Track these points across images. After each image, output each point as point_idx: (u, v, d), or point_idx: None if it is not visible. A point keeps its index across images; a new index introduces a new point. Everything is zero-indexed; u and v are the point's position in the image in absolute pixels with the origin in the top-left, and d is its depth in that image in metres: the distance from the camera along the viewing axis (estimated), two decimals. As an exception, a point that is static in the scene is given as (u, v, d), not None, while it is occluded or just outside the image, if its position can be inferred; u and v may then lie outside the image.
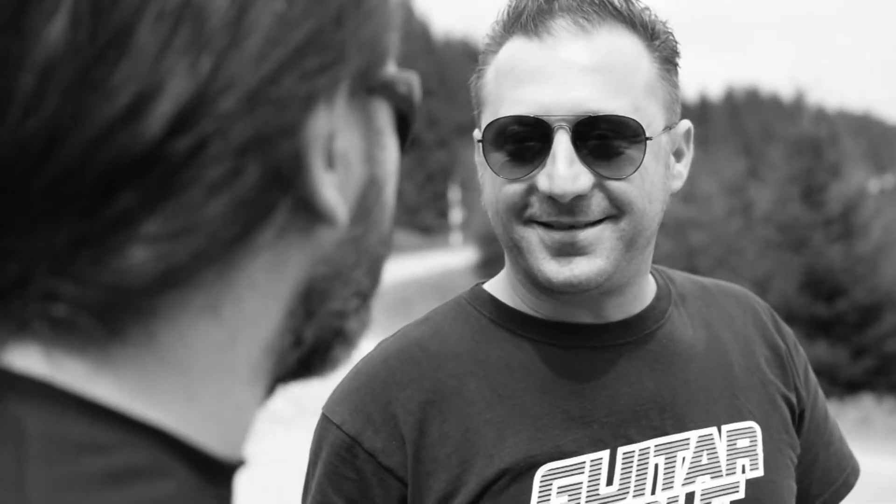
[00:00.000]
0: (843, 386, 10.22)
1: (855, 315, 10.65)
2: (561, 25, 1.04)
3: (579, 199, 1.02)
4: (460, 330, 1.14)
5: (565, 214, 1.03)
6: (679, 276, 1.26)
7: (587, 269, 1.04)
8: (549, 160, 1.02)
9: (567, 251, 1.04)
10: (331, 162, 0.47)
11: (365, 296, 0.53)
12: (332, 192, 0.46)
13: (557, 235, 1.04)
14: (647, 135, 1.04)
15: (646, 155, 1.04)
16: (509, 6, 1.09)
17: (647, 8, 1.09)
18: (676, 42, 1.11)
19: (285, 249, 0.47)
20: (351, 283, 0.51)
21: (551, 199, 1.03)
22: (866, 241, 11.26)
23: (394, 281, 18.91)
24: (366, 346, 1.18)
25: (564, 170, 1.01)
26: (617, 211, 1.04)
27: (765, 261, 11.57)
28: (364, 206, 0.50)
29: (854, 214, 11.30)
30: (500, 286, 1.17)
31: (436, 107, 42.12)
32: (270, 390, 0.52)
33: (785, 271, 10.93)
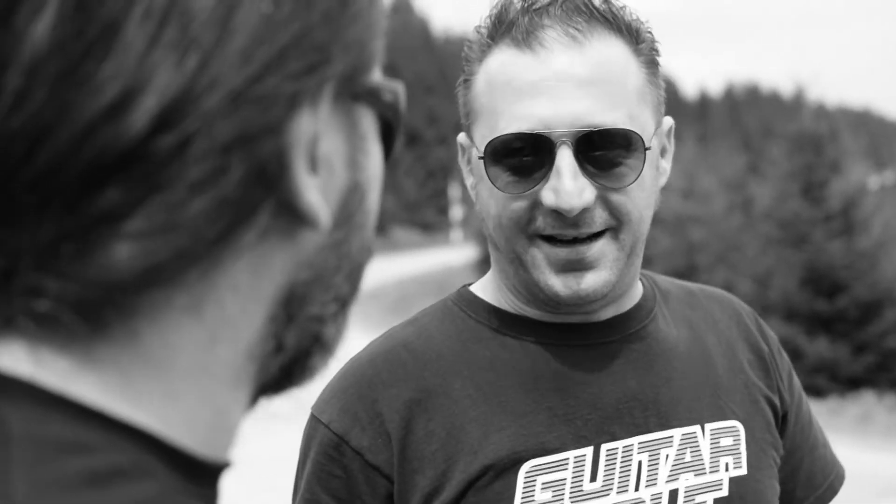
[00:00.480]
0: (844, 383, 10.22)
1: (856, 311, 10.66)
2: (552, 37, 1.05)
3: (583, 212, 1.04)
4: (446, 330, 1.15)
5: (569, 227, 1.05)
6: (663, 279, 1.29)
7: (593, 282, 1.07)
8: (553, 175, 1.03)
9: (574, 267, 1.07)
10: (314, 165, 0.47)
11: (343, 301, 0.53)
12: (315, 195, 0.47)
13: (563, 252, 1.06)
14: (647, 145, 1.06)
15: (645, 165, 1.05)
16: (493, 14, 1.10)
17: (625, 7, 1.10)
18: (655, 41, 1.12)
19: (268, 251, 0.47)
20: (331, 288, 0.51)
21: (556, 213, 1.05)
22: (867, 237, 11.27)
23: (394, 278, 18.92)
24: (360, 345, 1.19)
25: (570, 184, 1.02)
26: (616, 222, 1.07)
27: (765, 257, 11.57)
28: (346, 212, 0.50)
29: (854, 211, 11.30)
30: (486, 288, 1.18)
31: (436, 104, 42.13)
32: (255, 398, 0.51)
33: (785, 268, 10.93)
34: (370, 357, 1.14)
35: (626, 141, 1.05)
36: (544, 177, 1.04)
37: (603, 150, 1.04)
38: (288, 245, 0.47)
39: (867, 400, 9.84)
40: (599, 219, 1.05)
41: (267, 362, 0.49)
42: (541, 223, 1.06)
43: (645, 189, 1.08)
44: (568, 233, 1.05)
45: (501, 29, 1.08)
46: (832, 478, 1.29)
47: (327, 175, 0.48)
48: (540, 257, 1.07)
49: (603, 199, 1.05)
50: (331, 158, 0.48)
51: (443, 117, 43.11)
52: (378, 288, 16.98)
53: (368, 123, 0.51)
